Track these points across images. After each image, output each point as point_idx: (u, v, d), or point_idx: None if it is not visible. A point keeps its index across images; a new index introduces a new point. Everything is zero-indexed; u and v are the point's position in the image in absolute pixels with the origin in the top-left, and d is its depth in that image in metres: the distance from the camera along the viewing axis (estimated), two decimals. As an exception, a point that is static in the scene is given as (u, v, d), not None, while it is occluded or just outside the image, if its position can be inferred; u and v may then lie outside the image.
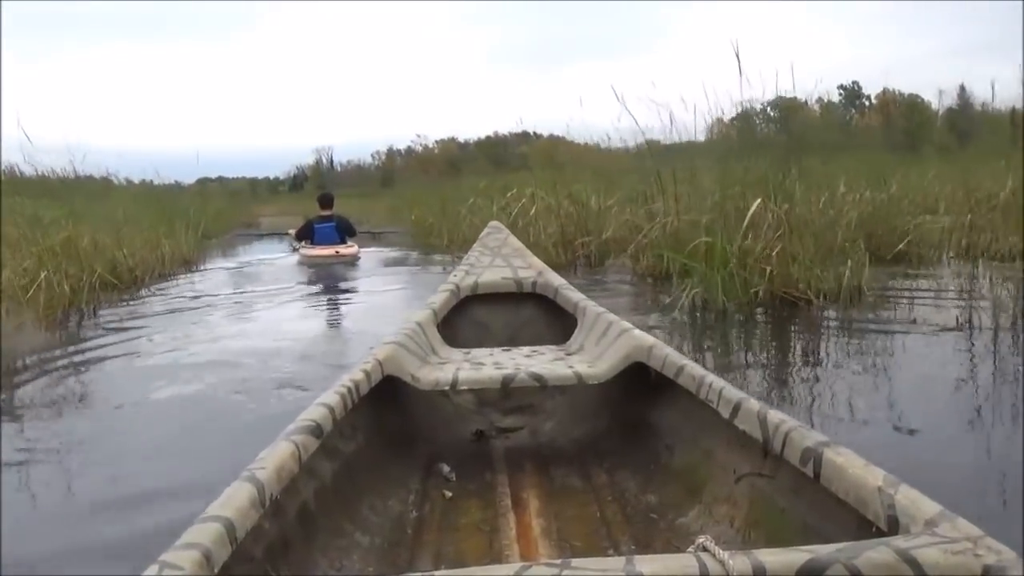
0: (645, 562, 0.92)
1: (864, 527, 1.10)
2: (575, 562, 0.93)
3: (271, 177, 52.04)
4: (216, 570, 0.99)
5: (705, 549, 0.95)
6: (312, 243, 9.17)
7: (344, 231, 9.35)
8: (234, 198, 24.57)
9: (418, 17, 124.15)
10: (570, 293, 2.68)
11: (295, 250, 9.36)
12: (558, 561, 0.94)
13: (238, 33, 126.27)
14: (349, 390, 1.72)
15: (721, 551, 0.92)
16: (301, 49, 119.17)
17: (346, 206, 21.53)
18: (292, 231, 9.94)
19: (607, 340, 2.20)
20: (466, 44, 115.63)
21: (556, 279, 2.79)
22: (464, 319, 2.71)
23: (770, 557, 0.92)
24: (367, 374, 1.85)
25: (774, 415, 1.44)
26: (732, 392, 1.60)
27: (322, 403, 1.59)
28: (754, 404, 1.51)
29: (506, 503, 1.77)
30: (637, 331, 2.14)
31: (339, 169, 50.19)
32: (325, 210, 9.44)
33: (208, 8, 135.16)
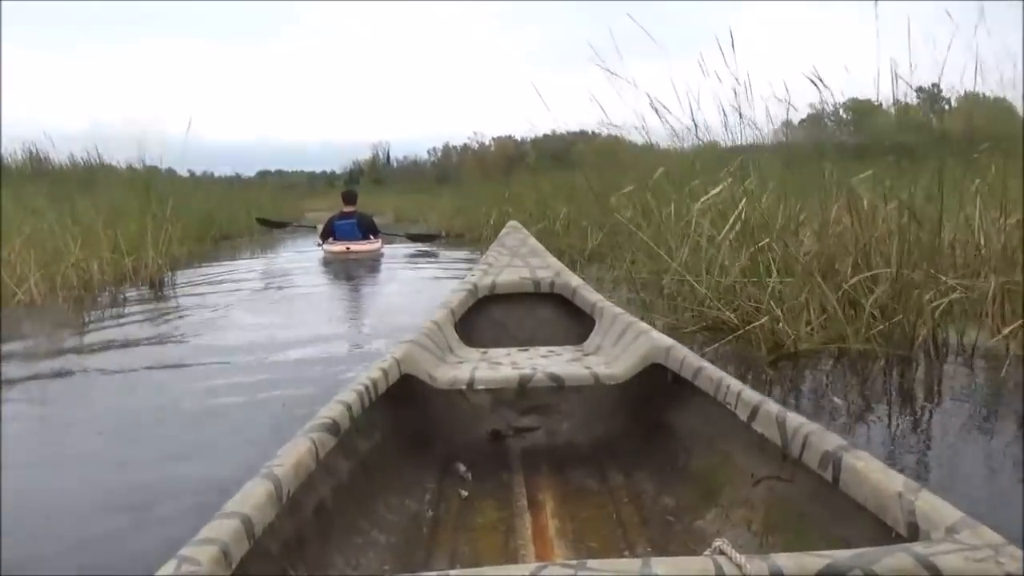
0: (661, 564, 0.92)
1: (883, 533, 1.08)
2: (591, 563, 0.92)
3: (328, 171, 52.90)
4: (234, 566, 0.99)
5: (722, 552, 0.94)
6: (334, 239, 9.28)
7: (366, 228, 9.45)
8: (287, 191, 24.58)
9: (470, 17, 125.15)
10: (588, 293, 2.67)
11: (319, 246, 9.51)
12: (573, 562, 0.93)
13: (303, 32, 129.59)
14: (367, 388, 1.72)
15: (738, 554, 0.92)
16: (364, 47, 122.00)
17: (401, 203, 20.83)
18: (320, 226, 10.16)
19: (625, 341, 2.18)
20: (505, 44, 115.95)
21: (574, 279, 2.78)
22: (482, 319, 2.71)
23: (787, 561, 0.91)
24: (384, 372, 1.85)
25: (793, 418, 1.42)
26: (750, 394, 1.58)
27: (340, 400, 1.60)
28: (772, 407, 1.49)
29: (522, 503, 1.77)
30: (655, 332, 2.13)
31: (395, 164, 50.72)
32: (348, 207, 9.56)
33: (275, 8, 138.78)
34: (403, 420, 1.99)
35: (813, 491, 1.32)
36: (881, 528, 1.09)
